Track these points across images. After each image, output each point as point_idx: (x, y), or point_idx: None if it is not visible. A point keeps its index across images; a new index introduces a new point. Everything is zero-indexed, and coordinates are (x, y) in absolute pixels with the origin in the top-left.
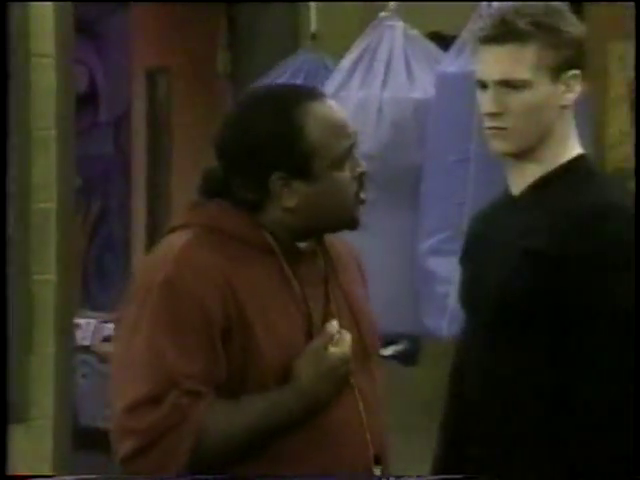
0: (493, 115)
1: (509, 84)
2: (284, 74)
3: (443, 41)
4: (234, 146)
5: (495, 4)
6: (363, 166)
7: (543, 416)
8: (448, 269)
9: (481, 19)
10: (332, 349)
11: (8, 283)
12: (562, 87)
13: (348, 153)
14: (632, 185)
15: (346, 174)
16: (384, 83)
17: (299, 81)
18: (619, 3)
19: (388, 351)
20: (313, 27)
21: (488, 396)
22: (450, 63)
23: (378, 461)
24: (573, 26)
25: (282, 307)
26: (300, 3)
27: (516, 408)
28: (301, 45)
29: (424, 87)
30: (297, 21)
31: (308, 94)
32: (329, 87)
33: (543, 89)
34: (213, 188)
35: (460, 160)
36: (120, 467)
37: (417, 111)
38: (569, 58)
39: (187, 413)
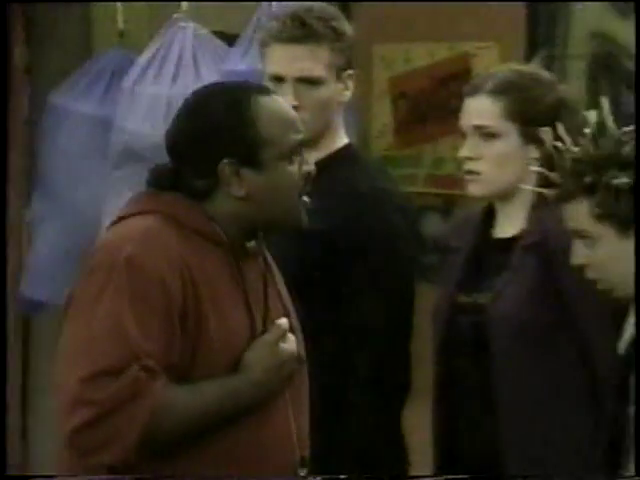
0: (293, 108)
1: (307, 80)
2: (92, 70)
3: (227, 40)
4: (185, 133)
5: (275, 5)
6: (311, 166)
7: (326, 384)
8: None
9: (275, 19)
10: (282, 345)
11: None
12: (341, 85)
13: (297, 148)
14: (393, 171)
15: (294, 168)
16: (174, 79)
17: (106, 77)
18: (383, 4)
19: None
20: (120, 25)
21: None
22: (238, 61)
23: (303, 463)
24: (350, 29)
25: (230, 300)
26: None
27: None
28: (99, 41)
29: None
30: (92, 17)
31: (259, 89)
32: (127, 82)
33: (332, 86)
34: (162, 181)
35: None
36: (67, 439)
37: None
38: (348, 59)
39: (144, 389)
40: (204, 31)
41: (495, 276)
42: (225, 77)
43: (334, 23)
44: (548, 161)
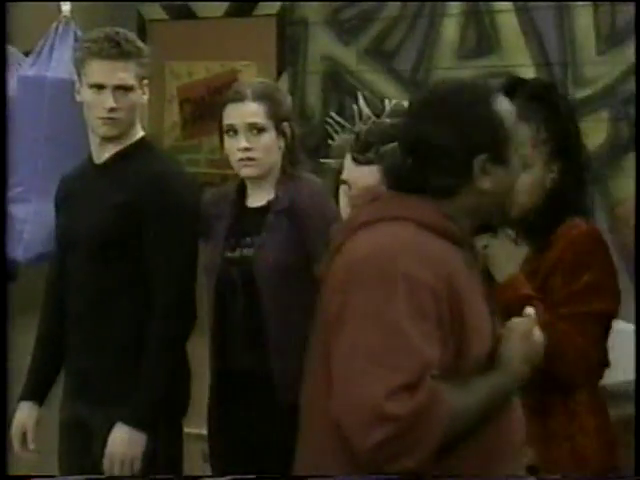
0: (112, 109)
1: (123, 88)
2: None
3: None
4: (436, 133)
5: (61, 29)
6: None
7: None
8: (23, 212)
9: (92, 41)
10: (536, 333)
11: None
12: (141, 91)
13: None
14: (181, 156)
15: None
16: None
17: None
18: (174, 29)
19: None
20: None
21: (88, 310)
22: (29, 68)
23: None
24: (148, 49)
25: (475, 294)
26: None
27: (108, 320)
28: None
29: (10, 87)
30: None
31: (492, 88)
32: None
33: (138, 92)
34: (403, 183)
35: (36, 139)
36: (368, 452)
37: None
38: (147, 71)
39: (439, 397)
40: (12, 49)
41: (255, 235)
42: (19, 81)
43: (137, 43)
44: (288, 147)
